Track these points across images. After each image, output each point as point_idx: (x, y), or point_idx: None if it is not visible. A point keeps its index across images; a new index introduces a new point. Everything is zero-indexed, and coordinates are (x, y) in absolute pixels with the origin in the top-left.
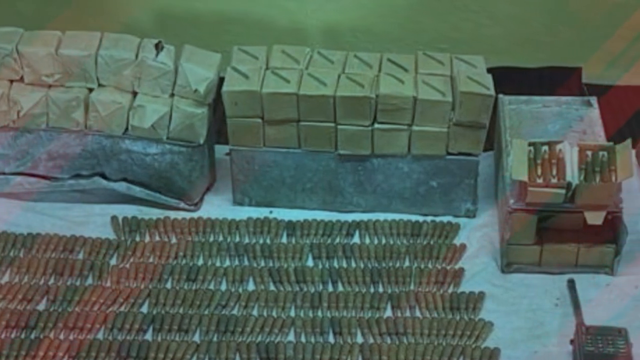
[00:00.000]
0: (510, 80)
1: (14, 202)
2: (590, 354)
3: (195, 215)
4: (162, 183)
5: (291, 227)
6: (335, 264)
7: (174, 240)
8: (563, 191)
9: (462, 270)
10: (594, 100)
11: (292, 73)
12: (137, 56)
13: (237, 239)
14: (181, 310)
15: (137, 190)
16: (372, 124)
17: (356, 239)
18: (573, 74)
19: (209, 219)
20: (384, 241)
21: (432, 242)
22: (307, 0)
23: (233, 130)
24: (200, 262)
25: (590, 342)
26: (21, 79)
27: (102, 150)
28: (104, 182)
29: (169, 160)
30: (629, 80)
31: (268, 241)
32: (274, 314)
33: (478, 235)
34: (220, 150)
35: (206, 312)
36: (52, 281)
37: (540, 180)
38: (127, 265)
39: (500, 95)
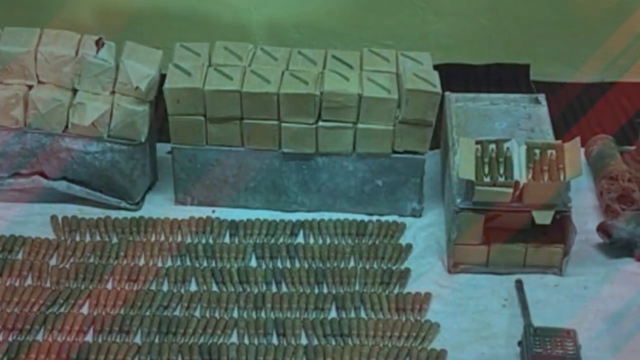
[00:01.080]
0: (457, 77)
1: None
2: (539, 355)
3: (136, 214)
4: (102, 182)
5: (234, 226)
6: (279, 264)
7: (114, 240)
8: (510, 190)
9: (408, 270)
10: (542, 97)
11: (235, 70)
12: (77, 53)
13: (179, 239)
14: (122, 311)
15: (78, 190)
16: (317, 121)
17: (300, 239)
18: (521, 70)
19: (150, 218)
20: (328, 241)
21: (377, 242)
22: None
23: (175, 128)
24: (142, 262)
25: (538, 343)
26: None
27: (42, 148)
28: (44, 181)
29: (110, 158)
30: (579, 77)
31: (210, 241)
32: (216, 315)
33: (424, 235)
34: (162, 148)
35: (147, 313)
36: None
37: (487, 179)
38: (67, 266)
39: (447, 93)
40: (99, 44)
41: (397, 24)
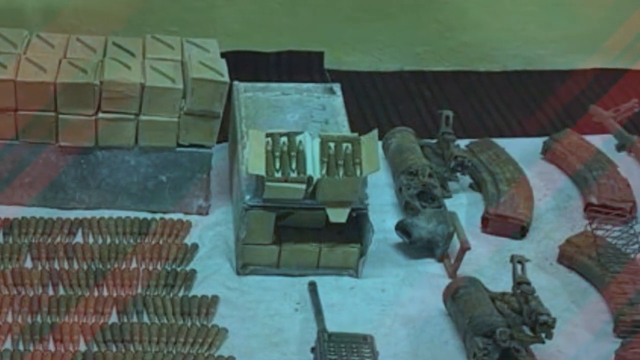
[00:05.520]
0: (246, 65)
1: None
2: None
3: None
4: None
5: (8, 225)
6: (56, 265)
7: None
8: (303, 186)
9: (193, 272)
10: (337, 87)
11: (9, 58)
12: None
13: None
14: None
15: None
16: (96, 113)
17: (79, 238)
18: (315, 58)
19: None
20: (109, 240)
21: (161, 242)
22: None
23: None
24: None
25: (333, 350)
26: None
27: None
28: None
29: None
30: (376, 66)
31: None
32: None
33: (211, 235)
34: None
35: None
36: None
37: (278, 175)
38: None
39: (235, 82)
40: None
41: (183, 8)
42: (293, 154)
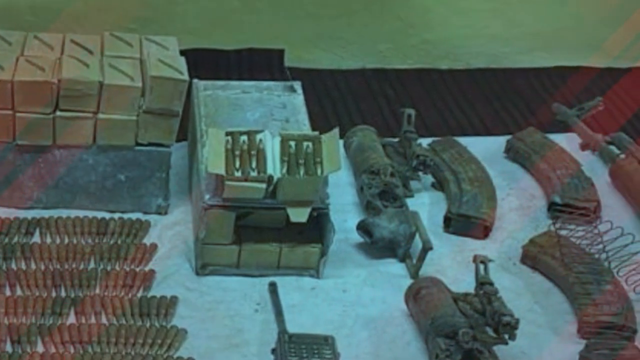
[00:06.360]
0: (205, 63)
1: None
2: None
3: None
4: None
5: None
6: (13, 266)
7: None
8: (263, 185)
9: (152, 272)
10: (298, 85)
11: None
12: None
13: None
14: None
15: None
16: (54, 111)
17: (36, 238)
18: (275, 56)
19: None
20: (66, 240)
21: (119, 242)
22: None
23: None
24: None
25: (293, 351)
26: None
27: None
28: None
29: None
30: (338, 63)
31: None
32: None
33: (170, 234)
34: None
35: None
36: None
37: (238, 174)
38: None
39: (195, 80)
40: None
41: (141, 5)
42: (253, 152)
